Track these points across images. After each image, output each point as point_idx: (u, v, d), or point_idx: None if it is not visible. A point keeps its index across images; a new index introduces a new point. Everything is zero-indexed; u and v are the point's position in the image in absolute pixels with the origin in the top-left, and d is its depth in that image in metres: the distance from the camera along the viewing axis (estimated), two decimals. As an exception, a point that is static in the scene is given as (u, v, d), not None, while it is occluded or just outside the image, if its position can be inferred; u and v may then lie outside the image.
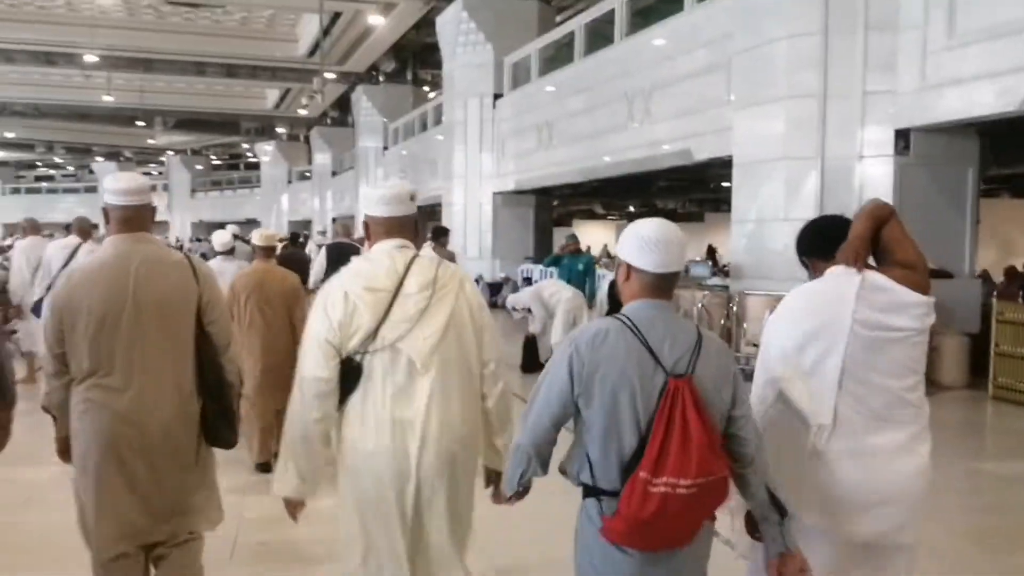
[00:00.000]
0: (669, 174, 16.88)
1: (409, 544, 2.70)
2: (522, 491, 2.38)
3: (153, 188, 49.59)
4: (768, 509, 2.33)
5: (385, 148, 29.08)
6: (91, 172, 51.31)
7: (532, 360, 10.03)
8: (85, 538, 3.08)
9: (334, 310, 2.67)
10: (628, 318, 2.24)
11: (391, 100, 28.83)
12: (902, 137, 9.24)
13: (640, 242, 2.26)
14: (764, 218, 9.98)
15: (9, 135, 39.68)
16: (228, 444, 3.20)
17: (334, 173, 35.06)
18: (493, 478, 2.88)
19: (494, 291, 17.48)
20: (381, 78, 29.66)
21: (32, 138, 44.03)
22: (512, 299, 10.68)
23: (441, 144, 21.92)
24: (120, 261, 3.01)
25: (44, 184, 54.45)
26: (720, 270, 16.24)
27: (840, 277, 2.58)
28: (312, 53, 25.54)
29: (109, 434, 2.94)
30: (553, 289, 10.13)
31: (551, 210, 20.90)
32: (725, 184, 23.21)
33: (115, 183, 3.12)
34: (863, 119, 9.28)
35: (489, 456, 2.87)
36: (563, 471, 2.34)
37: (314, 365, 2.67)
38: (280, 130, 38.78)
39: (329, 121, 36.30)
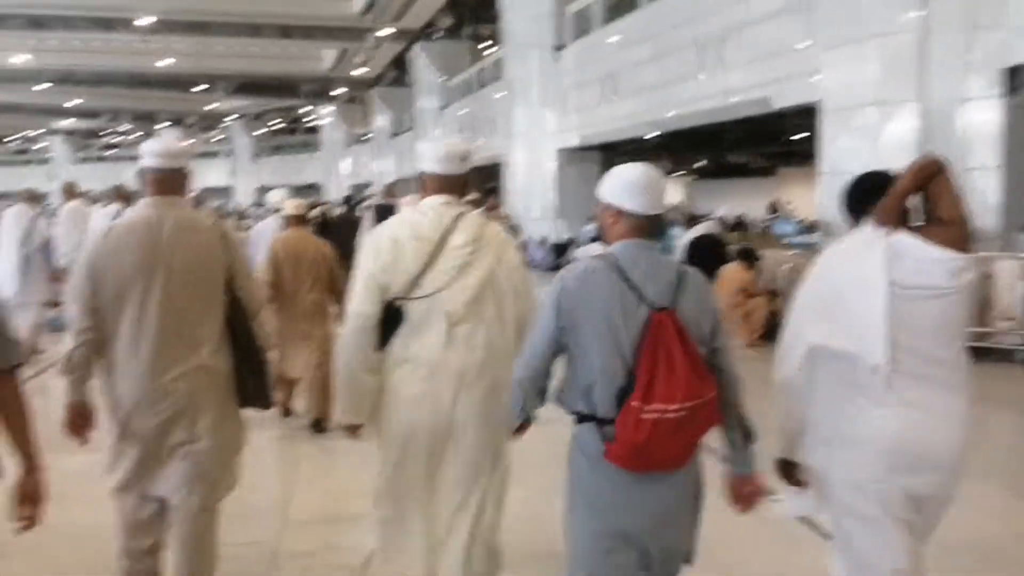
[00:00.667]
0: (740, 126, 15.98)
1: (433, 487, 2.90)
2: (526, 423, 2.51)
3: (214, 155, 50.41)
4: (739, 433, 2.46)
5: (443, 107, 28.42)
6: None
7: None
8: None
9: (382, 253, 2.83)
10: (613, 257, 2.37)
11: (449, 57, 28.09)
12: (1012, 77, 8.27)
13: (630, 186, 2.40)
14: (856, 169, 9.05)
15: (74, 103, 40.04)
16: (264, 405, 3.25)
17: (394, 135, 34.64)
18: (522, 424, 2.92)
19: (559, 252, 16.80)
20: (438, 35, 28.92)
21: (97, 106, 44.45)
22: (582, 254, 9.89)
23: (500, 101, 21.19)
24: (153, 224, 3.02)
25: (111, 152, 55.25)
26: (805, 227, 15.23)
27: (866, 237, 2.57)
28: (367, 11, 24.90)
29: (138, 392, 2.98)
30: None
31: (617, 166, 20.03)
32: (798, 136, 22.34)
33: (151, 145, 3.13)
34: (968, 57, 8.31)
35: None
36: (558, 401, 2.46)
37: (360, 301, 2.87)
38: (338, 92, 38.32)
39: (387, 81, 35.75)
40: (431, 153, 2.99)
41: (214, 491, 3.14)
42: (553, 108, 18.59)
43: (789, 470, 2.69)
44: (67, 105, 41.52)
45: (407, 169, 33.23)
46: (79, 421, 3.01)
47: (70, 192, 8.49)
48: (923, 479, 2.52)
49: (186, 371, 3.00)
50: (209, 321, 3.07)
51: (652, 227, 2.42)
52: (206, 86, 36.14)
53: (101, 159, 53.63)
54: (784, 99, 10.79)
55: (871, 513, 2.51)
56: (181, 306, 3.00)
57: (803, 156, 28.83)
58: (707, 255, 9.56)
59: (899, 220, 2.53)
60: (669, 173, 33.56)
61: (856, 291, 2.51)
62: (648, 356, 2.25)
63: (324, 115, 42.02)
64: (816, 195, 10.07)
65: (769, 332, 9.16)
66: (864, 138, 8.94)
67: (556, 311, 2.37)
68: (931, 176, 2.52)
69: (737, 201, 31.60)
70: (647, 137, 17.26)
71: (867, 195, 2.64)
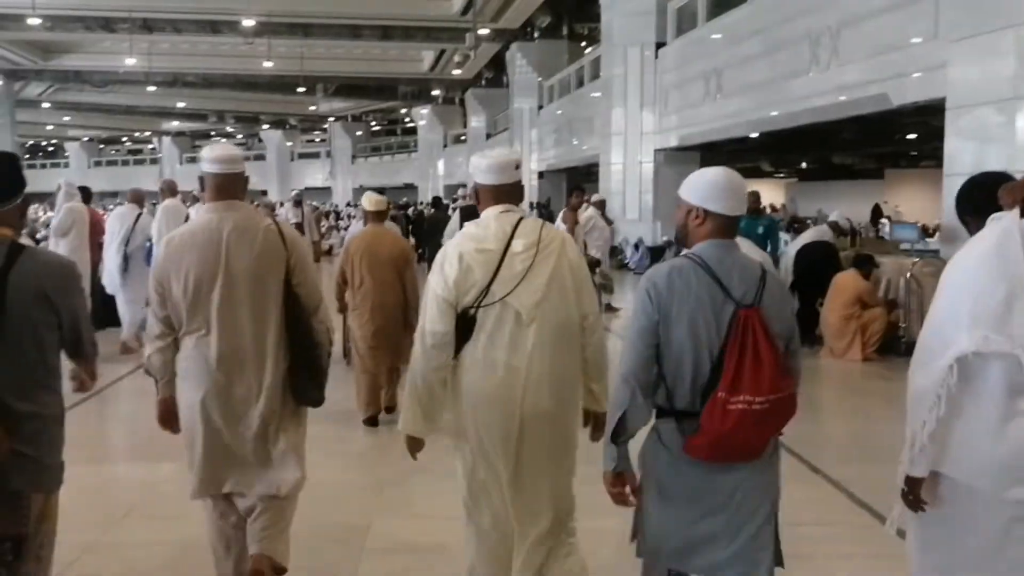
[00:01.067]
0: (849, 125, 15.19)
1: (511, 479, 2.93)
2: (627, 467, 2.52)
3: (315, 156, 51.34)
4: None
5: (540, 107, 28.17)
6: (260, 140, 53.16)
7: None
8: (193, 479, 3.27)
9: (450, 270, 2.91)
10: (699, 256, 2.46)
11: (546, 57, 27.82)
12: None
13: (715, 189, 2.50)
14: (987, 170, 8.36)
15: (180, 105, 41.40)
16: (316, 402, 3.34)
17: (488, 135, 34.61)
18: (591, 419, 3.11)
19: (655, 256, 16.27)
20: (536, 34, 28.70)
21: (203, 108, 45.87)
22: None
23: (598, 100, 20.77)
24: (213, 227, 3.16)
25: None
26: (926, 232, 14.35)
27: (1002, 231, 2.37)
28: (466, 11, 24.84)
29: (208, 385, 3.13)
30: (742, 249, 8.71)
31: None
32: (909, 136, 21.26)
33: (210, 152, 3.28)
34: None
35: (588, 400, 3.08)
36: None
37: (432, 319, 2.93)
38: (436, 92, 38.56)
39: (484, 82, 35.81)
40: (483, 165, 3.06)
41: (286, 486, 3.26)
42: (652, 107, 18.08)
43: (916, 487, 2.49)
44: (175, 106, 42.84)
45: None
46: (168, 416, 3.27)
47: (170, 190, 8.54)
48: None
49: (252, 371, 3.16)
50: (271, 318, 3.19)
51: (734, 228, 2.54)
52: (304, 90, 36.70)
53: (207, 159, 55.25)
54: (904, 96, 10.07)
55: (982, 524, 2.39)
56: (243, 305, 3.16)
57: (912, 157, 27.81)
58: (819, 262, 8.99)
59: None
60: (770, 175, 32.57)
61: (1009, 287, 2.31)
62: (735, 350, 2.35)
63: (421, 116, 42.32)
64: (942, 198, 9.33)
65: (886, 345, 8.62)
66: (995, 138, 8.21)
67: (652, 305, 2.44)
68: None
69: (842, 204, 30.51)
70: (752, 136, 16.61)
71: (987, 198, 2.50)
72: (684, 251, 2.57)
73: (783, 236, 14.57)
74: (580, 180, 30.01)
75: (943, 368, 2.34)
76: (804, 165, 30.68)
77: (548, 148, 27.71)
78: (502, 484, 2.95)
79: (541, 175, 28.55)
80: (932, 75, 9.24)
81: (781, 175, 33.72)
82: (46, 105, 39.91)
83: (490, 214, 3.02)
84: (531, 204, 26.93)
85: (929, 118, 14.12)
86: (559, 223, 10.17)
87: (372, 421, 6.21)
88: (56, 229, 8.52)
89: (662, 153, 18.08)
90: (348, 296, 6.27)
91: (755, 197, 10.18)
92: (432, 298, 2.95)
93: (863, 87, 10.99)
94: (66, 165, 57.66)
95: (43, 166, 60.21)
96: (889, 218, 19.44)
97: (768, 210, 24.39)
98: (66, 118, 46.94)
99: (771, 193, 30.24)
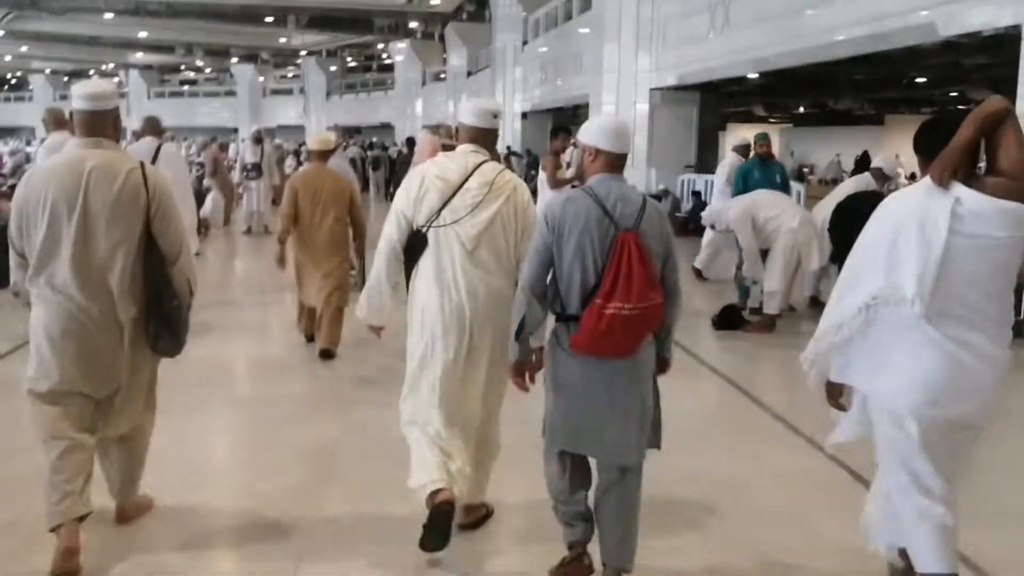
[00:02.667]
0: (858, 66, 13.76)
1: (453, 380, 3.43)
2: (527, 362, 3.11)
3: (288, 92, 49.42)
4: (666, 330, 3.14)
5: (524, 43, 26.37)
6: (231, 76, 51.07)
7: (730, 319, 7.49)
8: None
9: (412, 188, 3.45)
10: (590, 188, 2.99)
11: (532, -13, 26.01)
12: None
13: (604, 131, 3.04)
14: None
15: (143, 35, 39.17)
16: (170, 352, 3.42)
17: (469, 73, 32.97)
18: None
19: (651, 206, 14.87)
20: (521, -37, 26.81)
21: (170, 40, 43.68)
22: (711, 213, 7.88)
23: (588, 35, 19.11)
24: (76, 163, 3.18)
25: (186, 88, 54.70)
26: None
27: (928, 193, 2.72)
28: (445, -65, 22.98)
29: (61, 328, 3.20)
30: (776, 209, 7.24)
31: (717, 110, 17.80)
32: (920, 79, 19.83)
33: (79, 88, 3.27)
34: None
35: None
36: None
37: (391, 228, 3.48)
38: (414, 25, 36.52)
39: (465, 16, 34.09)
40: (468, 108, 3.56)
41: (131, 427, 3.45)
42: (649, 42, 16.41)
43: (835, 392, 3.04)
44: (140, 37, 40.59)
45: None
46: None
47: (55, 122, 6.93)
48: (959, 411, 2.78)
49: (101, 310, 3.19)
50: (125, 261, 3.20)
51: (621, 164, 3.04)
52: (273, 20, 34.69)
53: (173, 94, 53.02)
54: (956, 24, 8.61)
55: (911, 435, 2.80)
56: (96, 246, 3.16)
57: (913, 102, 26.42)
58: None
59: (960, 171, 2.66)
60: (763, 119, 31.04)
61: (916, 238, 2.67)
62: (613, 266, 2.84)
63: (399, 52, 40.42)
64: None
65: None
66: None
67: (548, 229, 2.97)
68: (997, 123, 2.65)
69: (838, 150, 29.19)
70: (750, 77, 15.14)
71: (937, 141, 2.74)
72: (578, 184, 3.09)
73: (795, 186, 13.31)
74: (567, 122, 28.49)
75: (853, 307, 2.81)
76: (802, 110, 29.13)
77: (533, 87, 26.06)
78: (447, 367, 3.41)
79: (525, 116, 26.95)
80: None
81: (774, 120, 32.22)
82: (0, 33, 37.45)
83: (462, 150, 3.50)
84: (507, 148, 25.44)
85: (962, 57, 12.85)
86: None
87: (311, 339, 6.69)
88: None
89: (658, 93, 16.48)
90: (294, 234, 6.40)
91: (767, 140, 8.81)
92: (393, 210, 3.48)
93: (902, 16, 9.51)
94: (31, 99, 55.51)
95: (7, 99, 57.89)
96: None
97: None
98: (24, 48, 44.41)
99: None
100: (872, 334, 2.80)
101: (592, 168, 3.01)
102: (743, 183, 8.34)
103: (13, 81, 60.82)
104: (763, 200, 7.37)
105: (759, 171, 8.44)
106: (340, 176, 6.63)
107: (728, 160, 10.24)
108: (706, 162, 16.49)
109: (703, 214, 8.02)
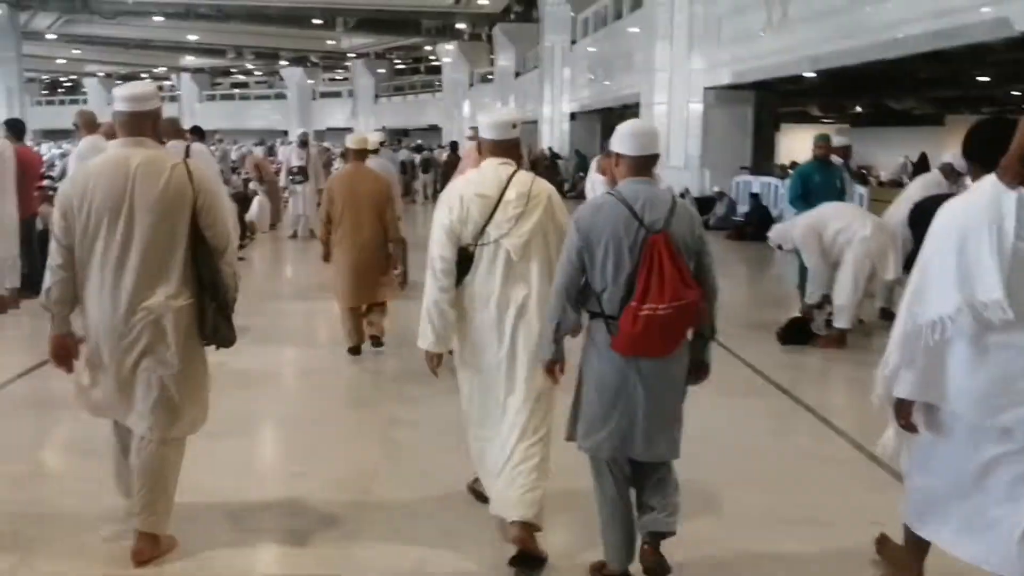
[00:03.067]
0: (921, 64, 13.14)
1: (502, 395, 3.47)
2: (559, 360, 3.15)
3: (336, 95, 49.64)
4: (707, 330, 3.17)
5: (573, 43, 26.02)
6: (281, 79, 51.43)
7: (797, 333, 6.99)
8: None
9: (454, 207, 3.45)
10: (618, 192, 3.03)
11: (581, -14, 25.65)
12: None
13: (624, 135, 3.05)
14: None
15: (193, 38, 39.57)
16: (227, 342, 3.40)
17: (517, 74, 32.74)
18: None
19: (703, 208, 14.38)
20: (570, -38, 26.47)
21: (221, 43, 44.11)
22: (778, 233, 7.26)
23: (639, 34, 18.72)
24: (121, 162, 3.22)
25: (237, 91, 55.22)
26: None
27: (993, 197, 2.68)
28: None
29: (105, 325, 3.23)
30: (844, 219, 6.64)
31: (774, 109, 17.27)
32: (983, 77, 19.07)
33: (119, 91, 3.32)
34: None
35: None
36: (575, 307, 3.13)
37: (439, 248, 3.47)
38: (461, 26, 36.33)
39: (513, 16, 33.72)
40: (487, 122, 3.60)
41: (176, 422, 3.33)
42: (702, 40, 15.98)
43: (905, 411, 2.94)
44: (190, 40, 41.02)
45: (529, 112, 31.18)
46: (61, 352, 3.34)
47: (87, 125, 6.87)
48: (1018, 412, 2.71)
49: (149, 306, 3.21)
50: (172, 257, 3.25)
51: (646, 166, 3.06)
52: (321, 22, 34.77)
53: (225, 97, 53.57)
54: (1036, 18, 8.11)
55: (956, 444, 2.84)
56: (144, 243, 3.20)
57: (975, 102, 25.50)
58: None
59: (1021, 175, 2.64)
60: (817, 120, 30.27)
61: (989, 243, 2.63)
62: (644, 268, 2.89)
63: (446, 53, 40.29)
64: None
65: None
66: None
67: (578, 236, 3.03)
68: None
69: (898, 152, 28.33)
70: (806, 76, 14.64)
71: (989, 146, 2.80)
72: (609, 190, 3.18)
73: (859, 189, 12.75)
74: (615, 122, 27.97)
75: (927, 319, 2.76)
76: (859, 110, 28.32)
77: (581, 87, 25.72)
78: (498, 374, 3.47)
79: (573, 116, 26.57)
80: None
81: (829, 120, 31.41)
82: (51, 36, 38.04)
83: (490, 164, 3.52)
84: (549, 149, 25.13)
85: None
86: (593, 171, 8.45)
87: (355, 351, 6.51)
88: (-29, 174, 6.89)
89: (712, 92, 16.03)
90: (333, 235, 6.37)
91: (826, 142, 8.15)
92: (439, 228, 3.46)
93: (972, 11, 8.99)
94: (85, 102, 56.53)
95: (62, 102, 59.00)
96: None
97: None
98: (76, 51, 45.18)
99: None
100: (947, 346, 2.76)
101: (618, 172, 3.10)
102: (801, 187, 7.89)
103: (68, 84, 61.95)
104: (829, 213, 6.82)
105: (819, 174, 7.95)
106: (379, 175, 6.56)
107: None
108: (761, 163, 16.00)
109: (769, 235, 7.41)
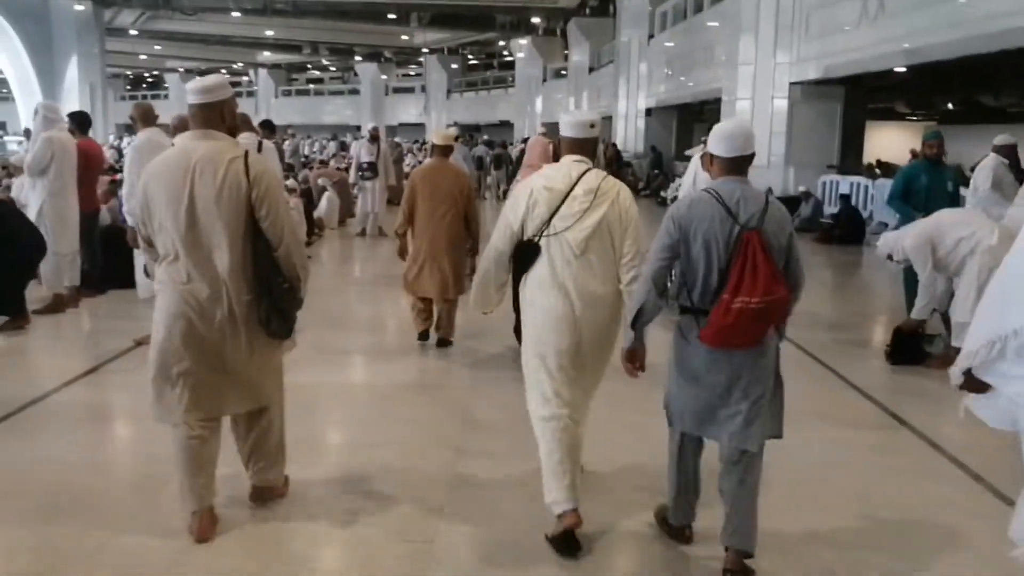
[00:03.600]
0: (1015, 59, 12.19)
1: (568, 370, 3.58)
2: (640, 348, 3.29)
3: (410, 91, 49.73)
4: (783, 329, 3.30)
5: (650, 37, 25.35)
6: (355, 74, 51.74)
7: (908, 351, 6.25)
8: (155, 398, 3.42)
9: (521, 200, 3.61)
10: (714, 190, 3.12)
11: (660, -21, 24.97)
12: None
13: (717, 136, 3.16)
14: None
15: (269, 33, 39.92)
16: (280, 335, 3.46)
17: (591, 69, 32.10)
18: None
19: (787, 209, 13.62)
20: (649, -47, 25.80)
21: (297, 39, 44.52)
22: (887, 242, 6.42)
23: (721, 27, 18.02)
24: (184, 155, 3.29)
25: (312, 86, 55.76)
26: None
27: None
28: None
29: (175, 311, 3.32)
30: (967, 227, 5.82)
31: (863, 106, 16.39)
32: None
33: (189, 84, 3.39)
34: None
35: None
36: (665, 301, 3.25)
37: (498, 239, 3.70)
38: (536, 20, 35.88)
39: (588, 11, 33.22)
40: (567, 121, 3.71)
41: (253, 407, 3.56)
42: (789, 33, 15.25)
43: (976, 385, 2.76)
44: (267, 36, 41.46)
45: (602, 107, 30.57)
46: None
47: (144, 119, 6.63)
48: None
49: (210, 296, 3.30)
50: (233, 248, 3.29)
51: (740, 166, 3.13)
52: (395, 17, 34.70)
53: (300, 93, 54.13)
54: None
55: None
56: (204, 234, 3.28)
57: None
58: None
59: None
60: (903, 116, 28.94)
61: None
62: (739, 263, 2.97)
63: (520, 48, 39.91)
64: None
65: None
66: None
67: (675, 230, 3.13)
68: None
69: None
70: (898, 71, 13.79)
71: None
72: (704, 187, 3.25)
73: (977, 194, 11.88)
74: (692, 119, 27.33)
75: (1006, 330, 2.56)
76: (951, 106, 26.97)
77: (658, 83, 25.04)
78: (555, 375, 3.57)
79: (649, 112, 25.88)
80: None
81: (916, 118, 30.04)
82: (133, 32, 38.79)
83: (566, 161, 3.68)
84: (612, 146, 24.54)
85: None
86: (693, 166, 7.57)
87: (423, 336, 6.60)
88: (31, 166, 6.66)
89: (799, 87, 15.28)
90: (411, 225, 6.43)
91: (938, 140, 7.32)
92: (502, 222, 3.69)
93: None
94: (166, 96, 57.85)
95: (144, 97, 60.44)
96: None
97: (911, 156, 21.30)
98: (157, 47, 46.10)
99: (904, 139, 26.82)
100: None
101: (714, 172, 3.20)
102: (904, 187, 7.20)
103: (150, 80, 63.41)
104: (947, 220, 6.02)
105: (927, 175, 7.23)
106: (460, 171, 6.67)
107: (988, 163, 7.73)
108: (849, 163, 15.18)
109: (879, 243, 6.63)
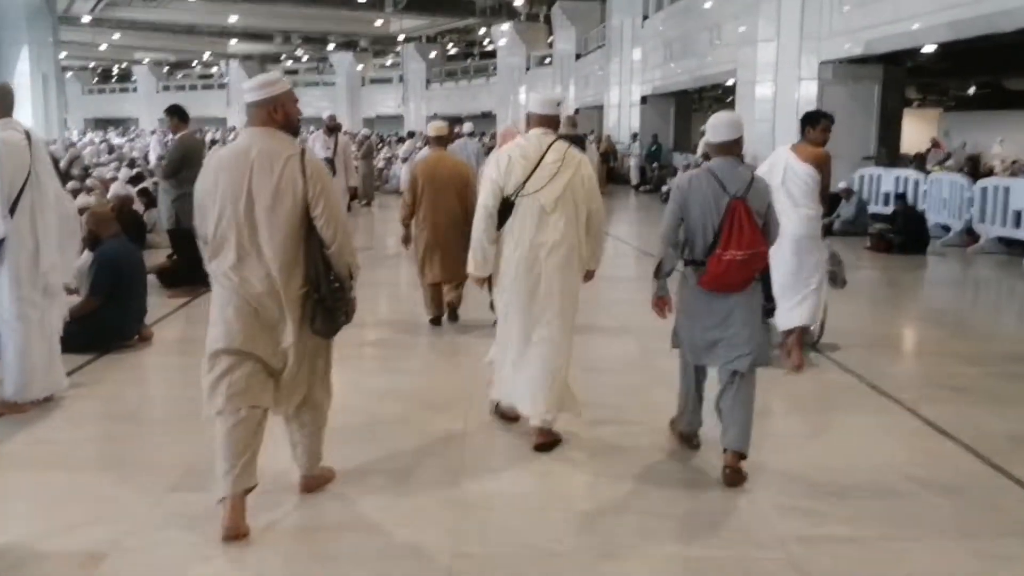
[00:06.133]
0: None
1: (532, 318, 4.27)
2: (664, 297, 4.11)
3: (388, 81, 47.61)
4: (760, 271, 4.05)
5: (645, 18, 23.27)
6: (331, 65, 49.58)
7: None
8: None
9: (502, 165, 4.24)
10: (709, 167, 3.97)
11: (655, -44, 22.90)
12: None
13: (711, 125, 3.99)
14: None
15: (233, 19, 37.54)
16: (325, 334, 3.51)
17: (578, 56, 30.09)
18: (588, 275, 4.47)
19: (828, 209, 11.52)
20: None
21: (268, 27, 42.30)
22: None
23: (727, 4, 15.96)
24: (242, 151, 3.37)
25: (285, 78, 53.56)
26: None
27: None
28: None
29: (229, 305, 3.38)
30: None
31: (903, 87, 14.36)
32: None
33: (245, 82, 3.50)
34: None
35: (586, 262, 4.40)
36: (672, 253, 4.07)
37: (485, 197, 4.28)
38: (519, 3, 33.73)
39: (573, -7, 31.04)
40: (536, 99, 4.44)
41: (301, 401, 3.60)
42: (818, 2, 13.16)
43: None
44: (235, 23, 39.11)
45: (590, 96, 28.58)
46: None
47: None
48: None
49: (266, 291, 3.36)
50: (287, 244, 3.35)
51: (730, 149, 3.96)
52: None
53: (274, 85, 51.81)
54: None
55: None
56: (261, 230, 3.32)
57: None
58: None
59: None
60: (909, 103, 27.07)
61: None
62: (728, 224, 3.81)
63: (501, 35, 37.85)
64: None
65: None
66: None
67: (679, 198, 3.99)
68: None
69: (1011, 138, 25.10)
70: (924, 51, 11.89)
71: None
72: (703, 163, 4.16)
73: (960, 180, 10.96)
74: (690, 105, 25.34)
75: None
76: (971, 91, 25.10)
77: (653, 68, 23.06)
78: (524, 314, 4.27)
79: (644, 100, 23.84)
80: None
81: (928, 104, 28.23)
82: (86, 20, 36.30)
83: (535, 132, 4.31)
84: (633, 135, 22.56)
85: None
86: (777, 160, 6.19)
87: (436, 321, 6.94)
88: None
89: (830, 66, 13.22)
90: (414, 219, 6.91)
91: None
92: (487, 182, 4.27)
93: None
94: (135, 90, 55.54)
95: (112, 91, 57.90)
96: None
97: (930, 147, 19.36)
98: (116, 35, 43.61)
99: (920, 127, 24.87)
100: None
101: (712, 153, 4.04)
102: None
103: (116, 73, 61.04)
104: None
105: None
106: (459, 161, 7.18)
107: None
108: (891, 152, 13.18)
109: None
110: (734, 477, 3.84)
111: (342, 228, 3.45)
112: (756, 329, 3.95)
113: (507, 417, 4.51)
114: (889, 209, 12.30)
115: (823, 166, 5.66)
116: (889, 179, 12.31)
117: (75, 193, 9.52)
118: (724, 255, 3.76)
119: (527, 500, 3.74)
